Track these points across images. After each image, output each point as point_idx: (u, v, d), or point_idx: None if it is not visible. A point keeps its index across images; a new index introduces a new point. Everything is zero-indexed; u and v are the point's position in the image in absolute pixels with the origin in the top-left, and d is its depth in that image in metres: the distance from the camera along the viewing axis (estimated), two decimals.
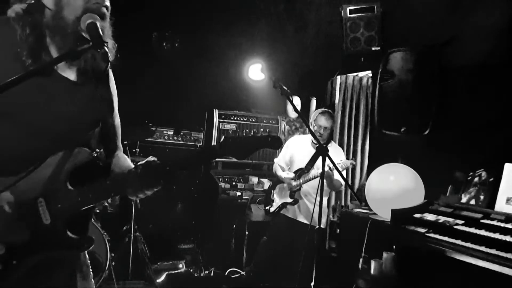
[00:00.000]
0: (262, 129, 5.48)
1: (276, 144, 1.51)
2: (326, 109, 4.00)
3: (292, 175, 3.82)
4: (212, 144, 1.39)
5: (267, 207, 4.07)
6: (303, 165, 3.81)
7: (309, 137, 4.03)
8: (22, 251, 1.38)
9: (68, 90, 1.43)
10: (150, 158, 1.47)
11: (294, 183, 3.79)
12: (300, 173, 3.80)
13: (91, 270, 1.62)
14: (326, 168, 3.44)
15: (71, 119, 1.45)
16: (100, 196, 1.47)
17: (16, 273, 1.38)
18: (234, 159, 5.24)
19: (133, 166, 1.61)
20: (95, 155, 1.49)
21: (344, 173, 3.72)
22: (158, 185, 1.45)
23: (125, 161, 1.65)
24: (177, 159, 1.48)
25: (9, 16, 1.39)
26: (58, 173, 1.42)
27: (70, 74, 1.44)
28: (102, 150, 1.56)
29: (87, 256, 1.62)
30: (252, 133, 5.66)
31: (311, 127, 3.74)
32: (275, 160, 4.19)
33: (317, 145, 2.67)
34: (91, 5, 1.36)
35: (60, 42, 1.40)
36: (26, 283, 1.41)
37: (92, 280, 1.62)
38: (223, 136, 1.49)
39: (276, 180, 4.09)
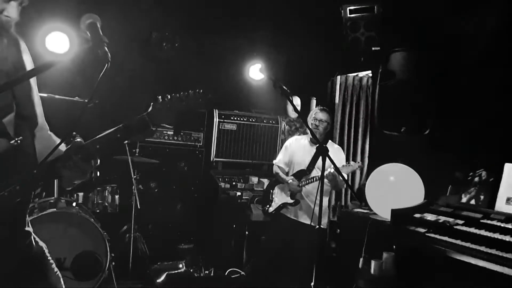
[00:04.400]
0: (262, 129, 5.49)
1: (202, 99, 1.45)
2: (324, 107, 4.05)
3: (296, 182, 3.80)
4: (141, 115, 1.34)
5: (266, 207, 4.06)
6: (303, 166, 3.81)
7: (307, 137, 4.05)
8: None
9: None
10: (77, 139, 1.42)
11: (299, 188, 3.79)
12: (301, 174, 3.80)
13: (60, 274, 1.58)
14: (330, 171, 3.46)
15: None
16: (28, 187, 1.40)
17: None
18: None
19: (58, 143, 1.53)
20: (15, 143, 1.39)
21: (345, 173, 3.72)
22: (90, 167, 1.41)
23: (52, 142, 1.54)
24: (103, 137, 1.43)
25: None
26: None
27: None
28: (21, 137, 1.43)
29: (52, 260, 1.57)
30: (251, 134, 5.64)
31: (309, 124, 3.78)
32: (274, 161, 4.18)
33: (316, 144, 2.66)
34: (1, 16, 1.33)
35: None
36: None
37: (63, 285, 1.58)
38: (151, 103, 1.45)
39: (275, 180, 4.08)
